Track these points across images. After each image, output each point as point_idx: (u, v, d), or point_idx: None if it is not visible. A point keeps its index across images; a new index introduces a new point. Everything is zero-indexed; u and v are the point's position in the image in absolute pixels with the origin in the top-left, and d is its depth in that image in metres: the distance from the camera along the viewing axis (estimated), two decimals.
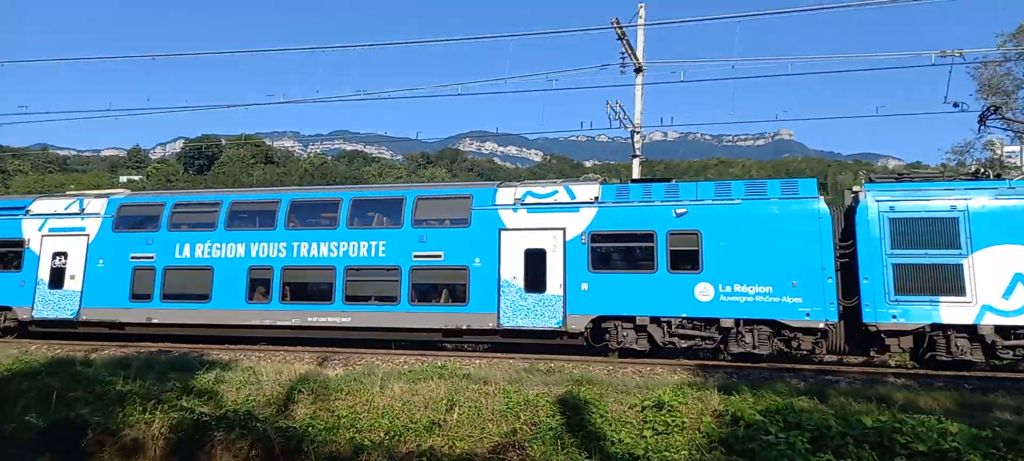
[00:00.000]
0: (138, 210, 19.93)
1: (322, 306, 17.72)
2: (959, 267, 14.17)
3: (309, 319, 17.73)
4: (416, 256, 17.30)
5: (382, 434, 10.34)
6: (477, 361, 14.80)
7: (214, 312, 18.26)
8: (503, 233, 16.95)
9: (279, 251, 18.20)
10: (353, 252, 17.75)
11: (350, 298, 17.58)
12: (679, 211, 15.97)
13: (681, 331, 15.65)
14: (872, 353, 15.33)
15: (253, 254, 18.31)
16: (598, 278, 16.17)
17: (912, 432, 8.56)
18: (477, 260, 16.91)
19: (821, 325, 14.77)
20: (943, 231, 14.34)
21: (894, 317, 14.35)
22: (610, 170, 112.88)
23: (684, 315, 15.59)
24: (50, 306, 19.32)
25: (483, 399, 11.10)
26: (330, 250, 17.88)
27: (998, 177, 15.42)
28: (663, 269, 15.79)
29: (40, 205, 20.50)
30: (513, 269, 16.70)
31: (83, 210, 19.87)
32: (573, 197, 17.02)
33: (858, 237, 14.82)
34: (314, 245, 18.01)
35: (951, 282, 14.17)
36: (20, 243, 19.88)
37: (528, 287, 16.54)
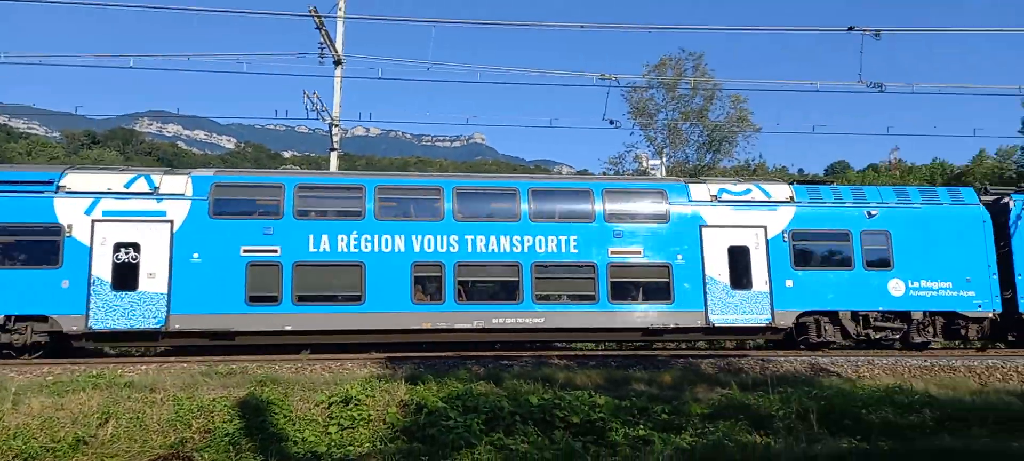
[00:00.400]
0: (244, 192, 16.49)
1: (509, 306, 16.12)
2: None
3: (493, 321, 15.98)
4: (612, 252, 16.57)
5: (11, 458, 8.65)
6: (143, 367, 13.21)
7: (370, 315, 15.70)
8: (704, 230, 16.94)
9: (449, 245, 16.16)
10: (540, 247, 16.41)
11: (541, 297, 16.23)
12: (871, 212, 17.29)
13: (876, 324, 16.99)
14: (1010, 337, 17.71)
15: (417, 248, 16.05)
16: (801, 275, 16.93)
17: (569, 406, 9.70)
18: (679, 257, 16.69)
19: (991, 315, 17.02)
20: None
21: None
22: (310, 162, 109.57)
23: (879, 309, 16.98)
24: (118, 313, 14.83)
25: (148, 408, 9.95)
26: (513, 244, 16.34)
27: None
28: (859, 266, 17.10)
29: (79, 180, 15.57)
30: (717, 266, 16.71)
31: (157, 189, 15.63)
32: (769, 196, 17.58)
33: (1014, 239, 17.45)
34: (493, 238, 16.33)
35: None
36: (55, 230, 14.97)
37: (734, 284, 16.66)
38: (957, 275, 17.24)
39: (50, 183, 15.44)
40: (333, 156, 24.25)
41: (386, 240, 16.09)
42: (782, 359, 14.73)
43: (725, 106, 37.39)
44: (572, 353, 16.08)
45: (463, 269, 16.18)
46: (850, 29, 19.05)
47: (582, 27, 20.90)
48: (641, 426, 9.32)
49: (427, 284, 16.17)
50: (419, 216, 16.67)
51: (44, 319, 14.72)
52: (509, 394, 10.52)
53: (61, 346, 15.12)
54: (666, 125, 36.56)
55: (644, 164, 40.90)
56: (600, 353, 15.99)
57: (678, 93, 36.25)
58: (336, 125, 24.04)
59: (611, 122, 21.23)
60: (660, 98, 37.38)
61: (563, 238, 16.64)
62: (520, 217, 16.64)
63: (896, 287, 17.16)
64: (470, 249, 16.27)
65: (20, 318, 14.62)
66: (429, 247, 16.18)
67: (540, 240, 16.52)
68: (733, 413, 9.87)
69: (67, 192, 15.38)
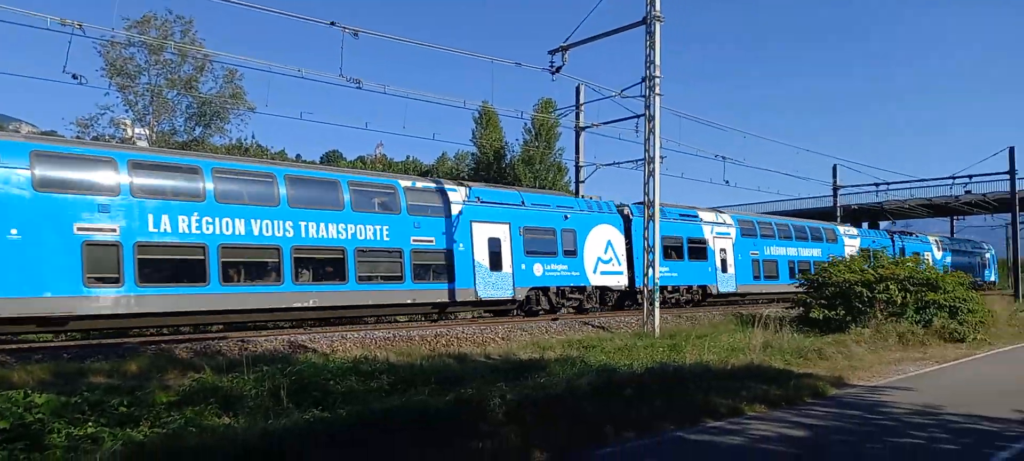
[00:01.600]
0: (746, 226, 32.63)
1: (777, 282, 33.01)
2: None
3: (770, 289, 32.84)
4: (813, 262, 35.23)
5: None
6: None
7: (775, 286, 32.02)
8: (846, 248, 37.15)
9: (781, 252, 34.36)
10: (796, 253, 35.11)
11: (767, 277, 33.51)
12: (874, 239, 40.82)
13: None
14: None
15: (771, 252, 33.61)
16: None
17: None
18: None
19: None
20: None
21: None
22: None
23: None
24: (724, 284, 30.25)
25: None
26: (784, 252, 34.65)
27: None
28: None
29: (703, 214, 30.48)
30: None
31: (724, 222, 31.27)
32: (856, 232, 41.58)
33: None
34: (782, 248, 34.60)
35: None
36: (702, 242, 29.80)
37: None
38: None
39: (695, 215, 30.19)
40: None
41: (777, 249, 33.81)
42: (262, 339, 14.90)
43: (218, 79, 35.61)
44: (11, 346, 13.31)
45: (765, 264, 32.95)
46: (332, 24, 19.39)
47: None
48: (91, 423, 8.14)
49: (769, 267, 33.55)
50: (787, 237, 34.97)
51: (703, 287, 29.63)
52: None
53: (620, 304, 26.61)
54: (149, 90, 33.03)
55: (129, 132, 36.52)
56: (53, 345, 13.63)
57: (164, 57, 33.11)
58: None
59: (74, 76, 17.79)
60: (142, 59, 33.60)
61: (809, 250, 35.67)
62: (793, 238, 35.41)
63: None
64: (764, 253, 33.29)
65: (692, 287, 29.15)
66: (766, 252, 33.14)
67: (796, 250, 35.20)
68: (205, 397, 9.38)
69: (702, 221, 30.29)
